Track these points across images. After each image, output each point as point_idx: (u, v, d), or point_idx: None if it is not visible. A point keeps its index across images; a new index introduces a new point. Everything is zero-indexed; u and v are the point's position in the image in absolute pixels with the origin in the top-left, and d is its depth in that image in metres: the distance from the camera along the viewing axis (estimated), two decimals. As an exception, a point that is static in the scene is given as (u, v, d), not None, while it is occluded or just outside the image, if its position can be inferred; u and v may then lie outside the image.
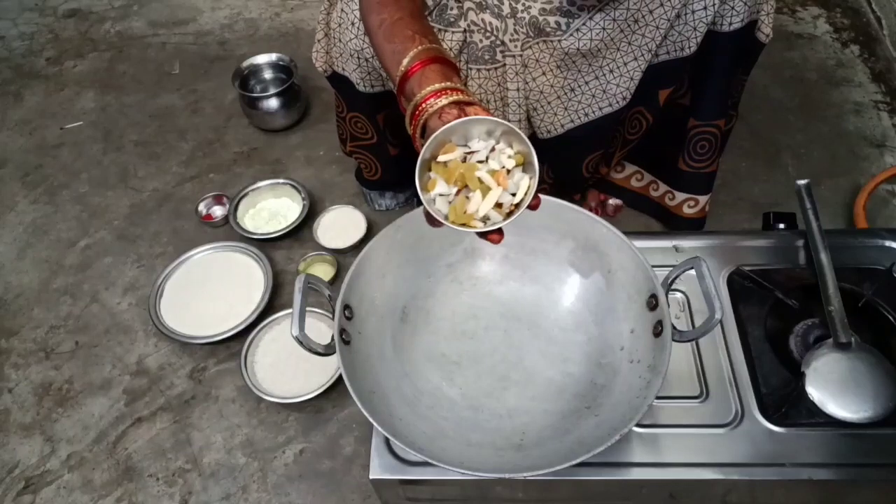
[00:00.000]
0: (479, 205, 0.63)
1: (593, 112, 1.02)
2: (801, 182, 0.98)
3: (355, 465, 1.06)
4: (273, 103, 1.49)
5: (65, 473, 1.08)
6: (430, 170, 0.66)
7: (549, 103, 1.00)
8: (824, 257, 0.90)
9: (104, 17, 1.91)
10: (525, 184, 0.63)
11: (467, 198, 0.63)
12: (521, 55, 0.94)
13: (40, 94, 1.70)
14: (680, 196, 1.21)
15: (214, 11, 1.89)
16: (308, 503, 1.03)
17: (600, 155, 1.14)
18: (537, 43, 0.93)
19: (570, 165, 1.14)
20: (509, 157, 0.64)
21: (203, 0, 1.92)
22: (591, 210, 1.26)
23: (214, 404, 1.13)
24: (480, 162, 0.64)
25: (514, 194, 0.63)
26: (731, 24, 0.95)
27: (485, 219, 0.63)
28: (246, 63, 1.55)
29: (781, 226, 1.04)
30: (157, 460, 1.08)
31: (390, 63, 0.75)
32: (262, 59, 1.57)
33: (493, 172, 0.64)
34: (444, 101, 0.67)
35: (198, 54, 1.77)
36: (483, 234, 0.65)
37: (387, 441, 0.81)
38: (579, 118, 1.02)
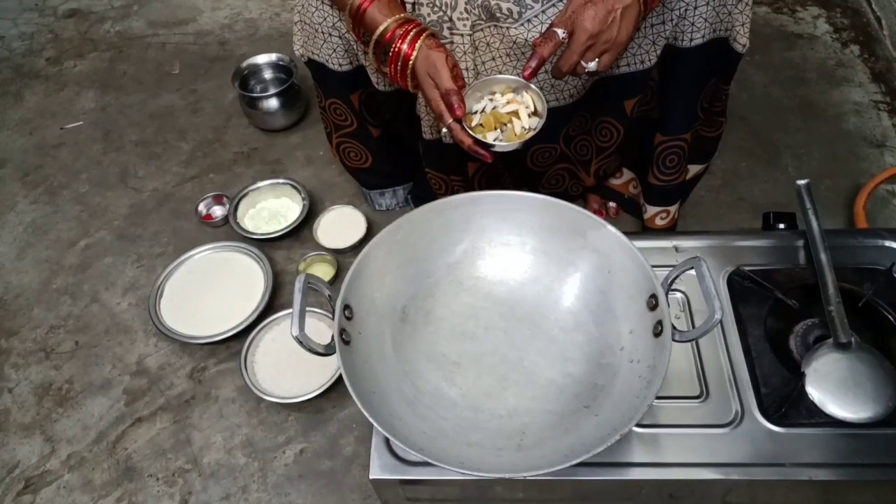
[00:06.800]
0: (521, 123, 0.88)
1: None
2: (801, 182, 0.98)
3: (355, 465, 1.06)
4: (273, 103, 1.49)
5: (65, 473, 1.08)
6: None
7: None
8: (824, 257, 0.90)
9: (104, 17, 1.91)
10: (529, 98, 0.89)
11: (512, 129, 0.88)
12: (470, 35, 0.93)
13: (40, 94, 1.70)
14: (652, 209, 1.22)
15: (214, 11, 1.89)
16: (308, 503, 1.03)
17: (551, 150, 1.13)
18: (488, 27, 0.93)
19: (514, 151, 1.13)
20: (501, 96, 0.89)
21: (203, 0, 1.92)
22: (593, 212, 1.27)
23: (214, 404, 1.13)
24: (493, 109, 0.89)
25: (528, 107, 0.88)
26: (691, 40, 0.95)
27: (530, 130, 0.88)
28: (246, 63, 1.55)
29: (781, 226, 1.04)
30: (157, 460, 1.08)
31: None
32: (262, 59, 1.57)
33: (507, 103, 0.89)
34: (424, 33, 0.85)
35: (198, 54, 1.77)
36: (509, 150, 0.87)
37: (387, 441, 0.81)
38: None
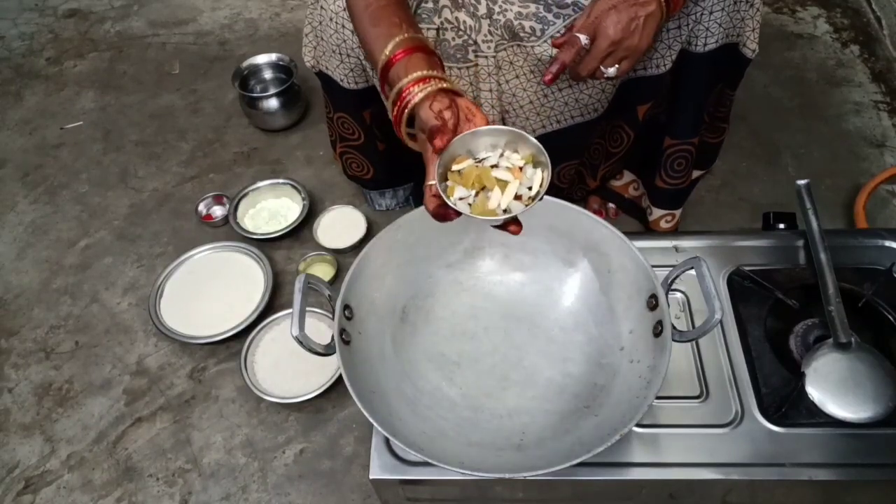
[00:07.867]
0: (500, 199, 0.68)
1: (566, 120, 1.02)
2: (801, 182, 0.98)
3: (355, 465, 1.06)
4: (273, 103, 1.49)
5: (65, 473, 1.08)
6: (446, 179, 0.70)
7: (521, 107, 1.00)
8: (824, 257, 0.90)
9: (104, 17, 1.91)
10: (539, 177, 0.69)
11: (487, 197, 0.69)
12: (494, 56, 0.93)
13: (40, 94, 1.70)
14: (658, 212, 1.22)
15: (214, 11, 1.89)
16: (308, 503, 1.03)
17: (576, 165, 1.13)
18: (511, 46, 0.93)
19: None
20: (519, 158, 0.70)
21: (203, 0, 1.92)
22: (592, 212, 1.27)
23: (214, 404, 1.13)
24: (493, 167, 0.70)
25: (529, 188, 0.69)
26: (705, 45, 0.95)
27: (506, 211, 0.68)
28: (246, 63, 1.55)
29: (781, 226, 1.04)
30: (157, 460, 1.08)
31: (374, 46, 0.76)
32: (262, 59, 1.57)
33: (508, 169, 0.69)
34: (430, 87, 0.70)
35: (198, 54, 1.77)
36: (503, 227, 0.69)
37: (387, 441, 0.81)
38: (551, 124, 1.03)
